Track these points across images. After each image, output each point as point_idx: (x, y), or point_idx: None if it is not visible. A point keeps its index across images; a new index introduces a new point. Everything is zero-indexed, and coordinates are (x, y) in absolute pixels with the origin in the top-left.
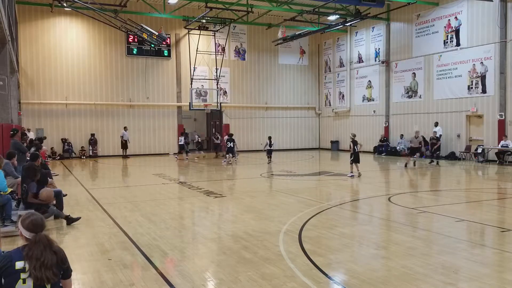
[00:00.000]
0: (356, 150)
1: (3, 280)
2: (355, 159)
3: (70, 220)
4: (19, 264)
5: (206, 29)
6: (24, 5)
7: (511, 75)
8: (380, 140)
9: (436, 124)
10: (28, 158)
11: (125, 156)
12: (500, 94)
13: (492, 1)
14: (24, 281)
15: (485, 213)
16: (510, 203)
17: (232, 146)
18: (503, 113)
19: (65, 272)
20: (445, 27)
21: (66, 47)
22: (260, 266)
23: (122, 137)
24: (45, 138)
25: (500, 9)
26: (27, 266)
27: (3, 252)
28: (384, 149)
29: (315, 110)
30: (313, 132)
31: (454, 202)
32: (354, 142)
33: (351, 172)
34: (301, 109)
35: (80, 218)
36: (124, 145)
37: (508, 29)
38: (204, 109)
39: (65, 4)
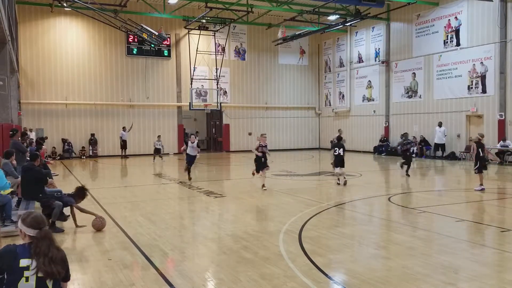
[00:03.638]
0: (481, 155)
1: (5, 276)
2: (482, 166)
3: (53, 228)
4: (23, 262)
5: (206, 29)
6: (24, 5)
7: (511, 75)
8: (380, 140)
9: (440, 125)
10: (28, 158)
11: (124, 156)
12: (500, 94)
13: (492, 1)
14: (27, 279)
15: (485, 213)
16: (510, 203)
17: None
18: (503, 113)
19: (67, 272)
20: (445, 27)
21: (66, 47)
22: (260, 266)
23: (121, 137)
24: (46, 138)
25: (500, 9)
26: (31, 264)
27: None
28: (384, 149)
29: (315, 110)
30: (313, 132)
31: (454, 202)
32: (480, 145)
33: (481, 184)
34: (301, 109)
35: (63, 231)
36: (124, 145)
37: (508, 29)
38: (204, 109)
39: (65, 4)
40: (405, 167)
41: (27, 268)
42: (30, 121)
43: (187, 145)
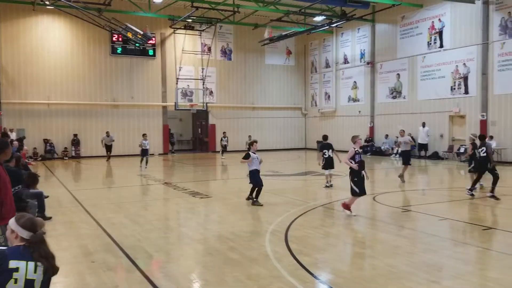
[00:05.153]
0: (477, 156)
1: None
2: (479, 167)
3: None
4: (13, 263)
5: (192, 28)
6: (6, 3)
7: (493, 76)
8: (365, 140)
9: (424, 125)
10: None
11: (108, 157)
12: (482, 95)
13: (475, 3)
14: (15, 281)
15: (467, 211)
16: (490, 201)
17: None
18: (485, 114)
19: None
20: (429, 28)
21: (49, 46)
22: (246, 266)
23: (102, 141)
24: (24, 138)
25: (482, 11)
26: (26, 266)
27: None
28: (369, 149)
29: (302, 110)
30: (299, 132)
31: (437, 201)
32: (475, 145)
33: (480, 186)
34: (288, 109)
35: (45, 232)
36: (108, 148)
37: (490, 31)
38: (189, 109)
39: (47, 2)
40: (478, 183)
41: (16, 269)
42: (11, 121)
43: (246, 157)
